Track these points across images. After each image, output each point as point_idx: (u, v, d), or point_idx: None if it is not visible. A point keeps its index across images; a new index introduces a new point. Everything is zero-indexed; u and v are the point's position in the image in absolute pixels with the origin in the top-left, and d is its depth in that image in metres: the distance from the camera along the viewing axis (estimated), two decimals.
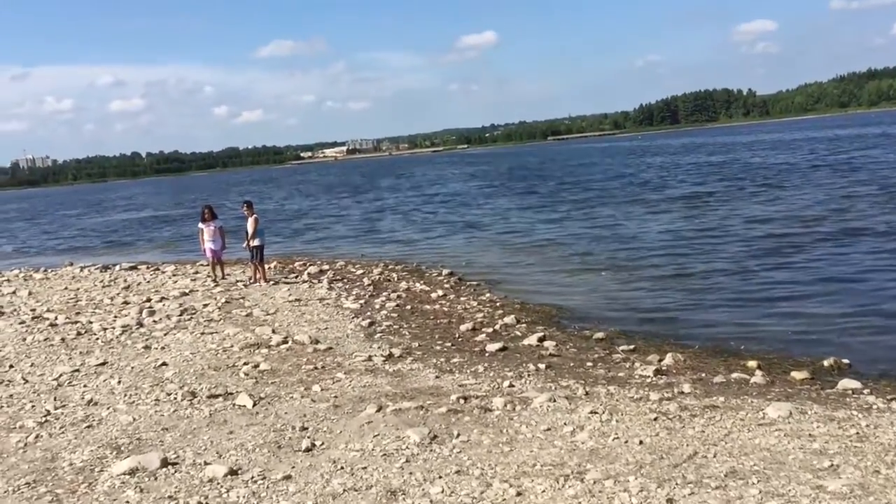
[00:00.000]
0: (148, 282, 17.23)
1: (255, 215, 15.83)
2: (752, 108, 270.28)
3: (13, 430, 6.93)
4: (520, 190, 41.68)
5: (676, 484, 4.98)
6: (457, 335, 10.79)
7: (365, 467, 5.57)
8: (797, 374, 8.00)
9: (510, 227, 24.27)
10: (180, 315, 12.45)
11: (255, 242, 15.67)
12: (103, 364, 9.42)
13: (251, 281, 15.97)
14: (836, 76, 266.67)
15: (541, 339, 10.11)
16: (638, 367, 8.61)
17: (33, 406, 7.65)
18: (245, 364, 9.08)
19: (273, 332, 10.89)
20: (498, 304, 13.12)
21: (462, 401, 7.22)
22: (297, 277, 16.82)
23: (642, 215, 23.43)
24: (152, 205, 67.31)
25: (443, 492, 5.07)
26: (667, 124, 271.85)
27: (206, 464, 5.76)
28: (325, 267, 18.40)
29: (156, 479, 5.50)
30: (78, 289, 16.61)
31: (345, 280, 16.25)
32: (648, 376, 8.10)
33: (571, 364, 8.92)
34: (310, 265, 18.74)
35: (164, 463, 5.72)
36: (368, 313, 12.37)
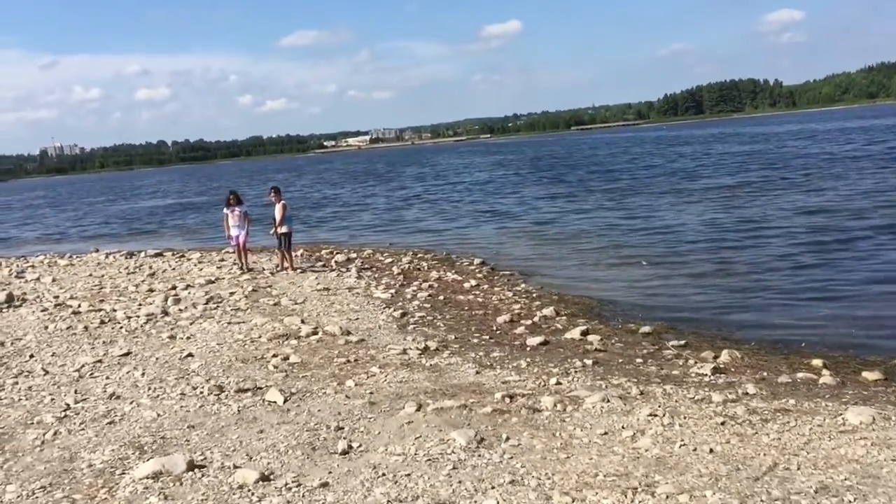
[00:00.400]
0: (173, 269, 16.88)
1: (282, 201, 15.39)
2: (779, 98, 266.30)
3: (31, 425, 6.52)
4: (547, 179, 40.96)
5: (761, 501, 4.43)
6: (494, 327, 10.28)
7: (408, 474, 5.08)
8: (869, 375, 7.40)
9: (540, 217, 23.64)
10: (206, 303, 12.04)
11: (283, 229, 15.25)
12: (127, 354, 9.01)
13: (278, 269, 15.55)
14: (864, 66, 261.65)
15: (584, 333, 9.57)
16: (693, 364, 8.05)
17: (53, 399, 7.25)
18: (274, 356, 8.64)
19: (302, 322, 10.44)
20: (534, 294, 12.58)
21: (507, 399, 6.71)
22: (324, 266, 16.39)
23: (678, 206, 22.65)
24: (178, 192, 67.38)
25: None
26: (691, 114, 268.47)
27: (235, 467, 5.30)
28: (353, 255, 17.97)
29: (181, 484, 5.04)
30: (102, 276, 16.30)
31: (374, 269, 15.78)
32: (706, 375, 7.53)
33: (620, 360, 8.37)
34: (337, 253, 18.31)
35: (191, 466, 5.27)
36: (400, 303, 11.89)
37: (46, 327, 10.70)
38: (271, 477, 5.12)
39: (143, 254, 20.14)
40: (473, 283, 13.61)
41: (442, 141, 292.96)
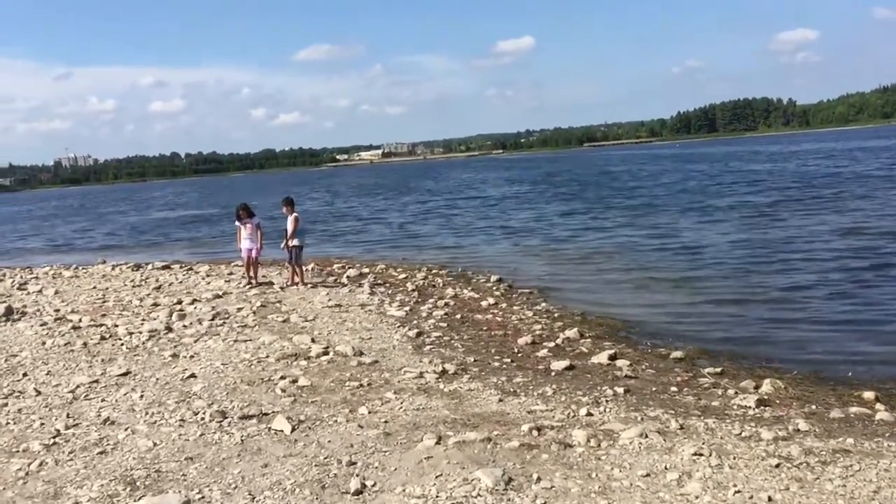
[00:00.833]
0: (180, 282, 16.38)
1: (295, 214, 14.87)
2: (792, 117, 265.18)
3: (16, 453, 5.98)
4: (563, 195, 40.39)
5: None
6: (515, 349, 9.70)
7: None
8: None
9: (557, 234, 23.05)
10: (212, 319, 11.52)
11: (294, 242, 14.73)
12: (126, 374, 8.48)
13: (288, 283, 15.04)
14: (879, 86, 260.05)
15: (612, 358, 8.97)
16: (734, 395, 7.45)
17: (42, 424, 6.71)
18: (282, 378, 8.08)
19: (312, 341, 9.90)
20: (556, 314, 12.00)
21: (535, 432, 6.12)
22: (335, 281, 15.86)
23: (702, 224, 21.96)
24: (189, 204, 67.18)
25: None
26: (704, 132, 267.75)
27: None
28: (366, 270, 17.44)
29: None
30: (107, 288, 15.82)
31: (387, 284, 15.23)
32: (750, 407, 6.93)
33: (653, 388, 7.77)
34: (349, 268, 17.79)
35: None
36: (415, 322, 11.34)
37: (44, 343, 10.20)
38: None
39: (150, 266, 19.68)
40: (491, 301, 13.05)
41: (454, 156, 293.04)
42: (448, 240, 24.09)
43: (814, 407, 7.01)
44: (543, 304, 12.84)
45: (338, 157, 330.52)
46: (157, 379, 8.24)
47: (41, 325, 11.41)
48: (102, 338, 10.49)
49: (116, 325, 11.29)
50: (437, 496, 4.90)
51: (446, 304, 12.83)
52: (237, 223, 15.50)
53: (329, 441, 6.07)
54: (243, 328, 10.93)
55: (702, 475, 5.12)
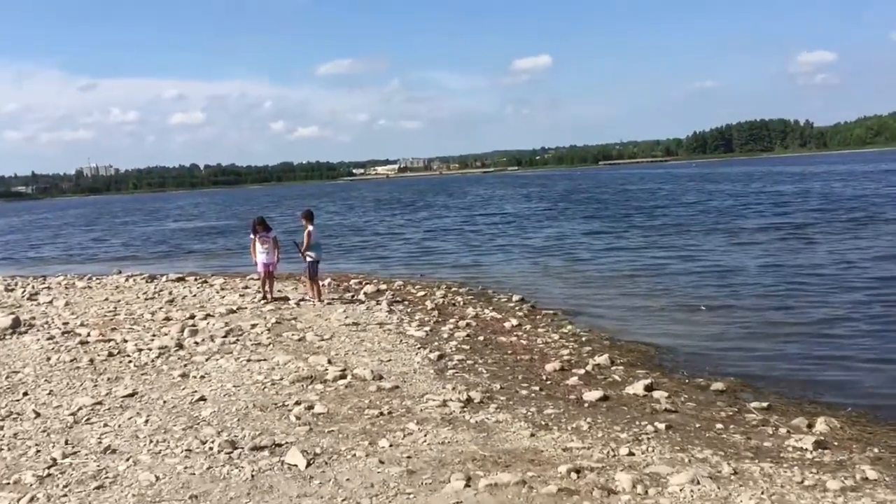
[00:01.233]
0: (194, 295, 15.94)
1: (309, 227, 14.33)
2: (809, 139, 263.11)
3: (6, 486, 5.49)
4: (582, 214, 39.77)
5: None
6: (543, 376, 9.13)
7: None
8: None
9: (578, 253, 22.40)
10: (225, 336, 11.03)
11: (311, 257, 14.26)
12: (132, 395, 7.99)
13: (307, 298, 14.55)
14: None
15: (648, 388, 8.40)
16: (786, 434, 6.85)
17: (38, 451, 6.21)
18: (297, 404, 7.57)
19: (329, 362, 9.38)
20: (584, 338, 11.43)
21: (574, 475, 5.56)
22: (352, 297, 15.35)
23: (730, 246, 21.23)
24: (207, 215, 67.08)
25: None
26: (720, 152, 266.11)
27: None
28: (383, 286, 16.93)
29: None
30: (119, 300, 15.39)
31: (405, 302, 14.71)
32: (807, 449, 6.33)
33: (697, 425, 7.19)
34: (366, 283, 17.29)
35: None
36: (436, 343, 10.80)
37: (48, 359, 9.74)
38: None
39: (164, 278, 19.26)
40: (514, 322, 12.49)
41: (470, 172, 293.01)
42: (466, 257, 23.54)
43: (877, 450, 6.40)
44: (570, 327, 12.27)
45: (354, 171, 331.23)
46: (165, 402, 7.75)
47: (48, 339, 10.96)
48: (110, 354, 10.03)
49: (126, 341, 10.83)
50: None
51: (468, 325, 12.29)
52: (251, 236, 15.04)
53: (347, 479, 5.54)
54: (257, 346, 10.44)
55: None
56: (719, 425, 7.18)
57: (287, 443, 6.36)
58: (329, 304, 14.24)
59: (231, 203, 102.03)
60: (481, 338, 11.32)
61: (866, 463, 5.96)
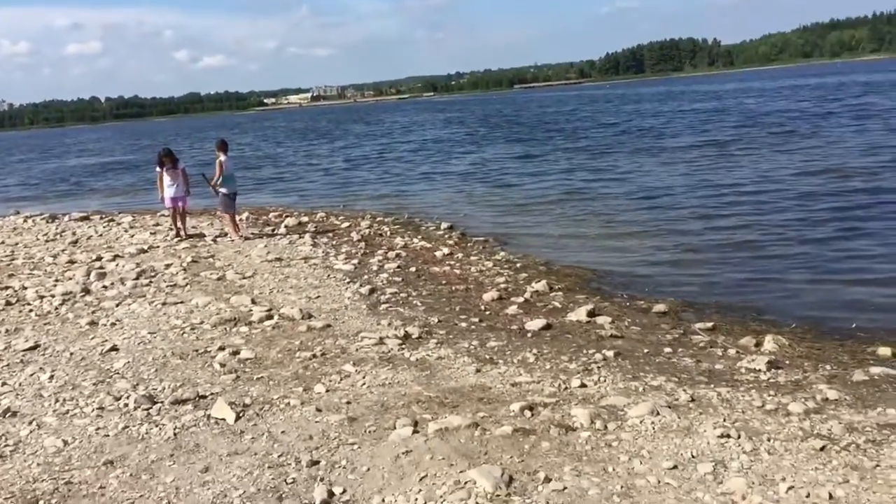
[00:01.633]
0: (100, 235, 14.87)
1: (220, 157, 13.38)
2: (717, 57, 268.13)
3: None
4: (504, 138, 39.25)
5: None
6: (481, 306, 8.75)
7: None
8: None
9: (504, 179, 21.87)
10: (136, 279, 10.22)
11: (224, 190, 13.38)
12: (34, 348, 7.23)
13: (220, 235, 13.72)
14: (799, 26, 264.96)
15: (591, 314, 8.10)
16: (735, 354, 6.68)
17: None
18: (220, 349, 6.97)
19: (253, 302, 8.76)
20: (518, 265, 11.09)
21: (528, 412, 5.21)
22: (273, 231, 14.59)
23: (655, 166, 21.09)
24: (111, 150, 63.71)
25: None
26: (632, 73, 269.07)
27: None
28: (305, 219, 16.18)
29: None
30: (17, 243, 14.20)
31: (330, 234, 14.05)
32: (760, 370, 6.14)
33: (645, 350, 6.93)
34: (287, 216, 16.50)
35: None
36: (366, 276, 10.26)
37: None
38: None
39: (67, 217, 17.97)
40: (446, 251, 12.04)
41: (385, 99, 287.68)
42: (389, 186, 22.83)
43: (829, 367, 6.26)
44: (502, 254, 11.91)
45: (265, 101, 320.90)
46: (72, 353, 7.02)
47: None
48: (8, 303, 9.13)
49: (25, 288, 9.91)
50: None
51: (398, 256, 11.77)
52: (158, 169, 13.99)
53: (283, 431, 5.04)
54: (172, 288, 9.69)
55: (739, 465, 4.29)
56: (667, 349, 6.94)
57: (212, 394, 5.79)
58: (248, 239, 13.48)
59: (136, 136, 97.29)
60: (413, 269, 10.84)
61: (822, 382, 5.80)
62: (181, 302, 8.89)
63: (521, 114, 68.85)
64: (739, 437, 4.68)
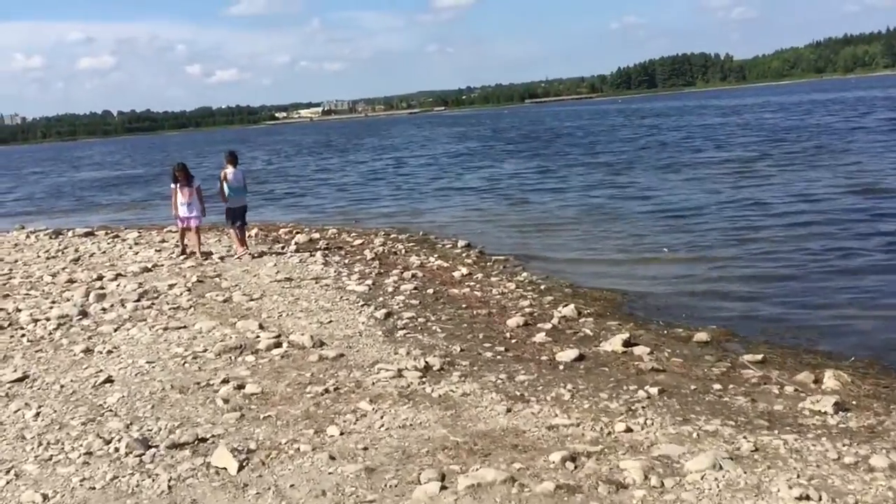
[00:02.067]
0: (103, 252, 14.31)
1: (225, 170, 12.85)
2: (729, 72, 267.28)
3: None
4: (518, 152, 38.63)
5: None
6: (506, 333, 8.11)
7: None
8: None
9: (521, 195, 21.18)
10: (137, 300, 9.63)
11: (232, 204, 12.82)
12: (22, 379, 6.64)
13: (228, 252, 13.15)
14: (812, 41, 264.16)
15: (626, 343, 7.45)
16: (793, 392, 6.01)
17: None
18: (224, 382, 6.36)
19: (260, 327, 8.15)
20: (542, 287, 10.46)
21: (570, 464, 4.56)
22: (283, 248, 14.00)
23: (680, 182, 20.28)
24: (122, 164, 63.50)
25: None
26: (644, 88, 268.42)
27: None
28: (316, 235, 15.61)
29: None
30: (16, 261, 13.66)
31: (342, 252, 13.47)
32: (827, 413, 5.48)
33: (693, 387, 6.27)
34: (297, 233, 15.94)
35: None
36: (381, 299, 9.65)
37: None
38: None
39: (71, 233, 17.44)
40: (464, 271, 11.43)
41: (396, 113, 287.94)
42: (402, 201, 22.25)
43: None
44: (525, 275, 11.29)
45: (277, 114, 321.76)
46: (62, 386, 6.43)
47: None
48: (0, 326, 8.56)
49: (19, 310, 9.34)
50: None
51: (413, 276, 11.17)
52: (172, 185, 13.33)
53: (291, 485, 4.41)
54: (175, 311, 9.10)
55: None
56: (716, 385, 6.29)
57: (213, 436, 5.18)
58: (257, 257, 12.89)
59: (148, 150, 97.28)
60: (430, 290, 10.21)
61: None
62: (184, 327, 8.29)
63: (536, 128, 68.42)
64: (821, 499, 4.02)
